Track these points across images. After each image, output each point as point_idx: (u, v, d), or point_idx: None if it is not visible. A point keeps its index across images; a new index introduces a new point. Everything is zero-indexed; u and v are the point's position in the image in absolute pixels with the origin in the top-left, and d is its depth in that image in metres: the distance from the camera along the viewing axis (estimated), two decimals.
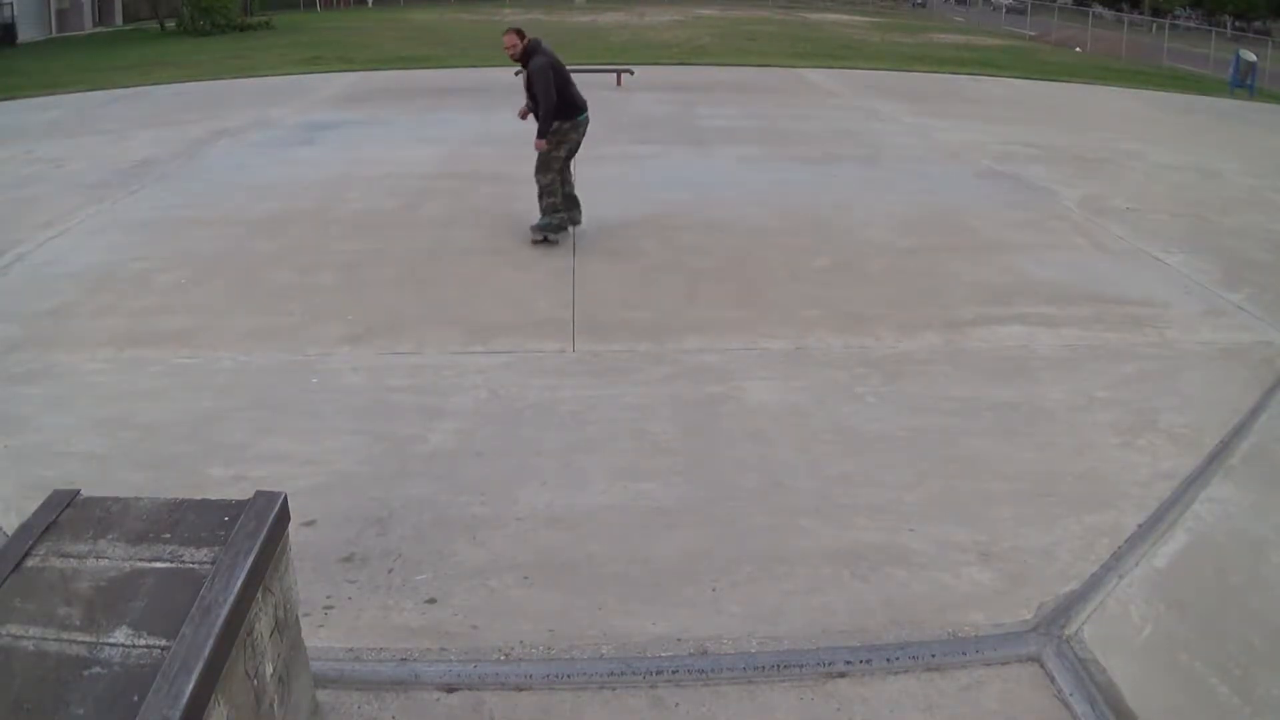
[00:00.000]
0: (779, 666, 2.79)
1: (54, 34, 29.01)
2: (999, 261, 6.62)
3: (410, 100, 13.83)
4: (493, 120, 12.04)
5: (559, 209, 6.81)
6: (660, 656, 2.83)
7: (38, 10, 28.69)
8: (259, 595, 2.09)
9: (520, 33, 6.59)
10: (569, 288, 5.95)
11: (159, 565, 2.03)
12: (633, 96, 13.81)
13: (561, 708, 2.66)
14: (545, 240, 6.77)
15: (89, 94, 14.96)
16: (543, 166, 6.73)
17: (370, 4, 42.65)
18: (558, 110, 6.52)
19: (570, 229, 6.96)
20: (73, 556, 2.06)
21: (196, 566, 2.03)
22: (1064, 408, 4.47)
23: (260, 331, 5.26)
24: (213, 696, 1.82)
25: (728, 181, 8.70)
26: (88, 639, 1.84)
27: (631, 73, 15.67)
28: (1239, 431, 4.20)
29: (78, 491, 2.27)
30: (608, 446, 4.07)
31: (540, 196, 6.77)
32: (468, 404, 4.45)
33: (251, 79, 16.80)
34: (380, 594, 3.10)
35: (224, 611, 1.90)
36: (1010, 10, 40.16)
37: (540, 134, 6.55)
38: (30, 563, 2.04)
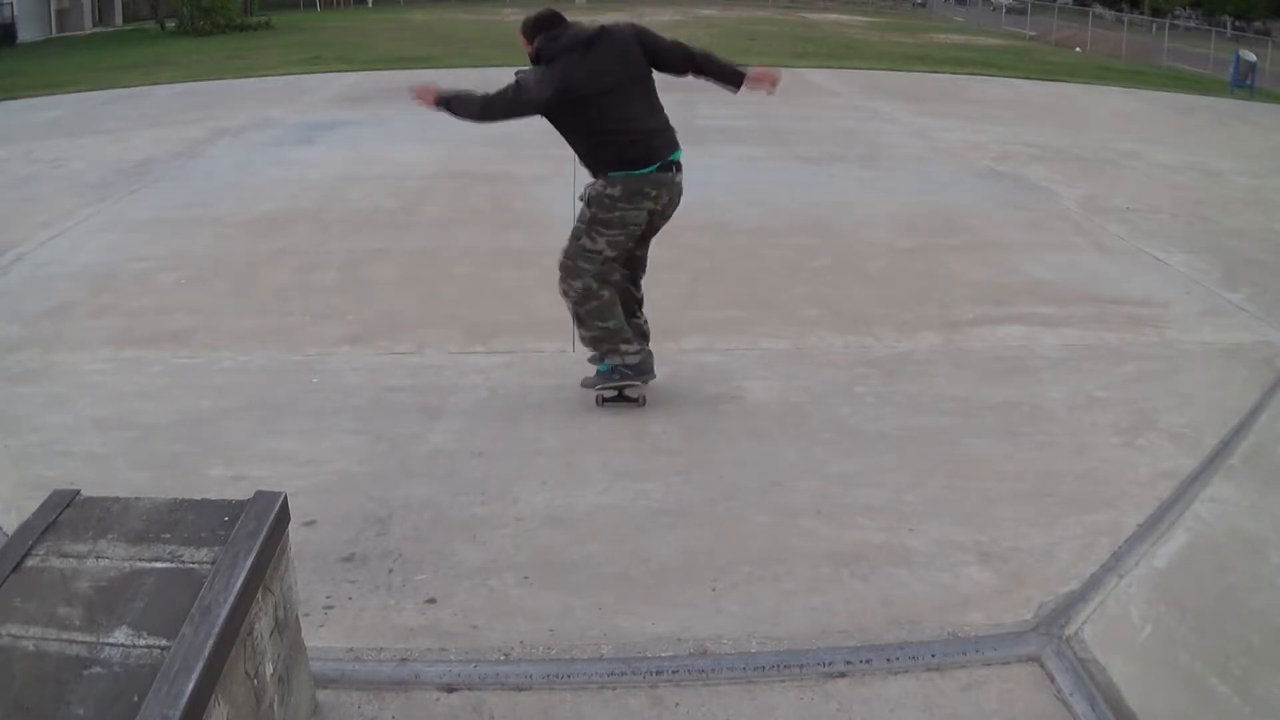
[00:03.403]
0: (779, 666, 2.79)
1: (54, 34, 29.02)
2: (999, 261, 6.61)
3: (410, 100, 13.82)
4: None
5: (624, 338, 4.05)
6: (660, 656, 2.83)
7: (38, 10, 28.70)
8: (259, 595, 2.09)
9: (541, 29, 3.84)
10: None
11: (159, 565, 2.04)
12: None
13: (561, 708, 2.66)
14: (622, 397, 4.21)
15: (89, 94, 14.96)
16: (568, 268, 3.95)
17: (370, 4, 42.65)
18: (598, 157, 3.84)
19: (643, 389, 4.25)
20: (73, 556, 2.06)
21: (196, 566, 2.03)
22: (1064, 407, 4.47)
23: (260, 331, 5.26)
24: (213, 696, 1.82)
25: (728, 181, 8.69)
26: (88, 639, 1.84)
27: None
28: (1239, 431, 4.20)
29: (78, 491, 2.27)
30: (608, 446, 4.07)
31: (578, 323, 4.11)
32: (468, 404, 4.45)
33: (251, 79, 16.81)
34: (380, 594, 3.10)
35: (224, 611, 1.90)
36: (1010, 10, 40.16)
37: (441, 98, 3.86)
38: (30, 563, 2.04)
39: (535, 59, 3.81)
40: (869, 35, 29.58)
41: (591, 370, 4.31)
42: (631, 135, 3.80)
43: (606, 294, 3.97)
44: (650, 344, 4.24)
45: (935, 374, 4.82)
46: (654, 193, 3.84)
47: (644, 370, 4.13)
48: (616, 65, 3.81)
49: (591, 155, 3.85)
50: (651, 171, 3.81)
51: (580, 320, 4.04)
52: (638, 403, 4.19)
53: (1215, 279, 6.30)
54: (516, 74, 3.82)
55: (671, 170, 3.87)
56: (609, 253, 3.90)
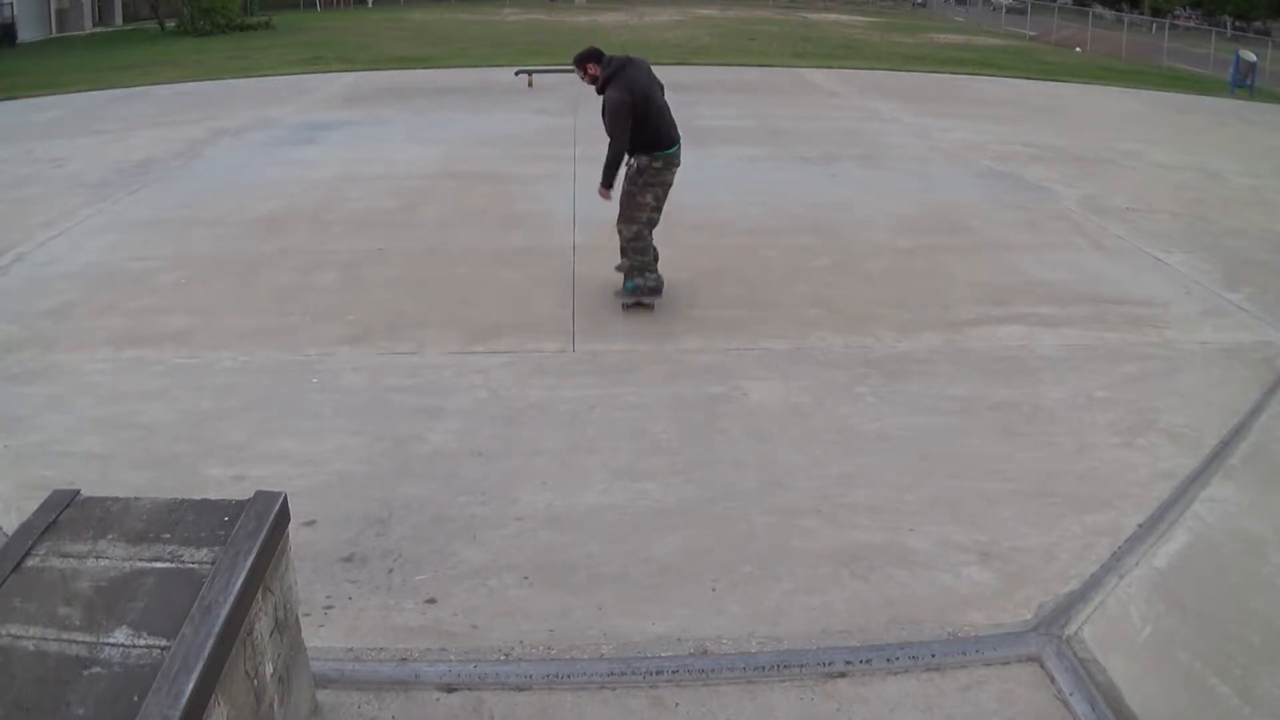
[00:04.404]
0: (779, 666, 2.79)
1: (54, 34, 28.98)
2: (999, 261, 6.62)
3: (410, 100, 13.83)
4: (492, 120, 12.05)
5: (650, 268, 5.68)
6: (660, 656, 2.83)
7: (38, 10, 28.67)
8: (259, 595, 2.09)
9: (590, 60, 5.38)
10: (569, 287, 5.95)
11: (159, 565, 2.04)
12: None
13: (561, 708, 2.66)
14: (639, 305, 5.68)
15: (89, 94, 14.95)
16: (626, 217, 5.55)
17: (370, 4, 42.65)
18: (642, 144, 5.37)
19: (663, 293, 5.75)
20: (73, 556, 2.06)
21: (196, 566, 2.03)
22: (1064, 407, 4.47)
23: (260, 331, 5.26)
24: (213, 696, 1.82)
25: (728, 181, 8.69)
26: (88, 639, 1.84)
27: None
28: (1239, 431, 4.21)
29: (78, 491, 2.27)
30: (608, 446, 4.07)
31: (623, 254, 5.68)
32: (468, 404, 4.45)
33: (251, 79, 16.80)
34: (380, 594, 3.10)
35: (224, 611, 1.90)
36: (1010, 10, 40.13)
37: (603, 182, 5.43)
38: (30, 563, 2.04)
39: (602, 86, 5.35)
40: (869, 35, 29.57)
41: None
42: (664, 125, 5.45)
43: (647, 235, 5.63)
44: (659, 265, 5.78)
45: (935, 374, 4.83)
46: (677, 163, 5.55)
47: (657, 290, 5.72)
48: (649, 78, 5.47)
49: (642, 140, 5.37)
50: (675, 151, 5.50)
51: (625, 252, 5.67)
52: (651, 309, 5.66)
53: (1215, 279, 6.31)
54: (604, 108, 5.34)
55: (680, 149, 5.55)
56: (653, 203, 5.55)
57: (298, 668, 2.37)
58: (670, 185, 5.60)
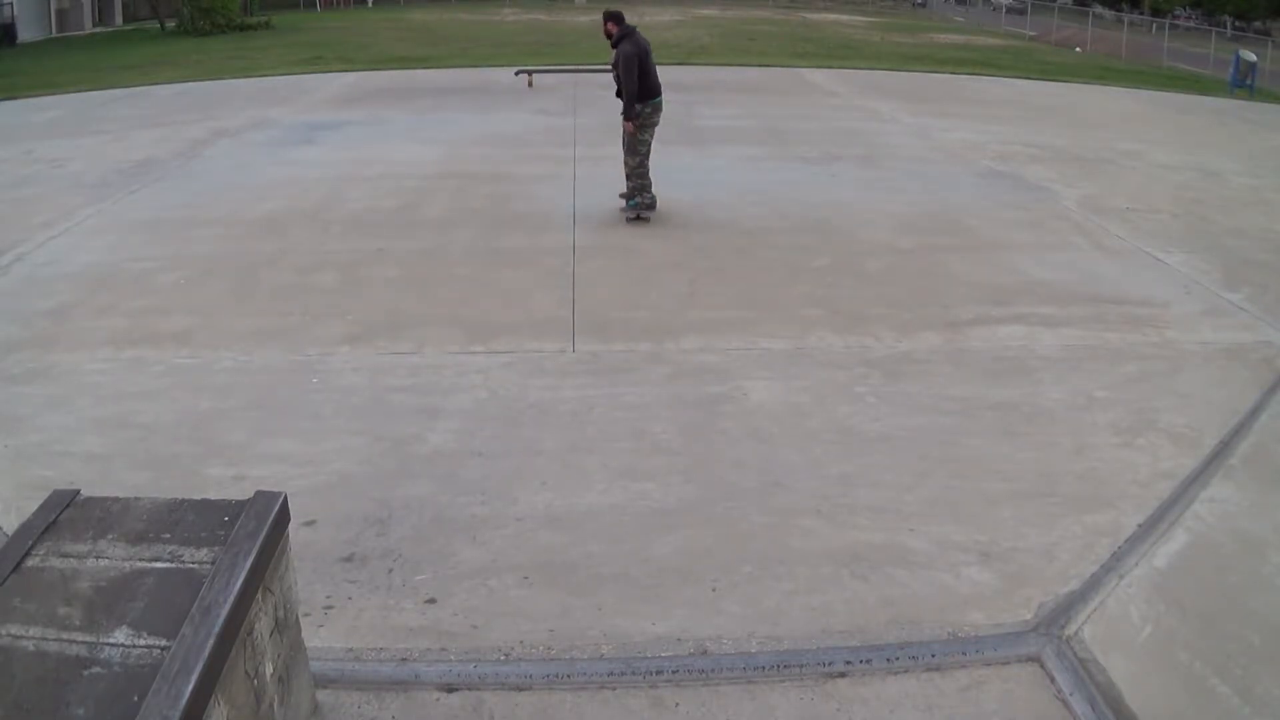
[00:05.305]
0: (779, 666, 2.79)
1: (54, 34, 28.98)
2: (999, 261, 6.62)
3: (410, 100, 13.83)
4: (492, 120, 12.05)
5: (647, 189, 7.33)
6: (660, 656, 2.83)
7: (38, 10, 28.66)
8: (259, 595, 2.09)
9: (612, 20, 7.09)
10: (569, 288, 5.96)
11: (159, 565, 2.04)
12: None
13: (561, 708, 2.66)
14: (639, 218, 7.29)
15: (89, 94, 14.95)
16: (630, 149, 7.26)
17: (370, 4, 42.65)
18: (639, 94, 6.99)
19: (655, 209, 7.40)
20: (73, 556, 2.06)
21: (196, 566, 2.03)
22: (1064, 408, 4.47)
23: (260, 331, 5.26)
24: (213, 696, 1.82)
25: (728, 181, 8.70)
26: (88, 639, 1.84)
27: None
28: (1239, 431, 4.21)
29: (78, 491, 2.27)
30: (608, 446, 4.07)
31: (628, 178, 7.33)
32: (468, 404, 4.45)
33: (251, 79, 16.80)
34: (380, 594, 3.10)
35: (224, 611, 1.90)
36: (1010, 10, 40.11)
37: (625, 115, 7.09)
38: (30, 563, 2.04)
39: (617, 40, 7.04)
40: (869, 35, 29.56)
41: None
42: (654, 79, 7.19)
43: (647, 165, 7.33)
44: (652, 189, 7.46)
45: (935, 374, 4.83)
46: (662, 108, 7.33)
47: (652, 206, 7.40)
48: (647, 43, 7.19)
49: (640, 89, 7.02)
50: (660, 99, 7.26)
51: (629, 177, 7.33)
52: (648, 221, 7.30)
53: (1215, 279, 6.31)
54: (619, 58, 7.07)
55: (662, 99, 7.31)
56: (648, 139, 7.26)
57: (298, 668, 2.37)
58: (658, 124, 7.35)
